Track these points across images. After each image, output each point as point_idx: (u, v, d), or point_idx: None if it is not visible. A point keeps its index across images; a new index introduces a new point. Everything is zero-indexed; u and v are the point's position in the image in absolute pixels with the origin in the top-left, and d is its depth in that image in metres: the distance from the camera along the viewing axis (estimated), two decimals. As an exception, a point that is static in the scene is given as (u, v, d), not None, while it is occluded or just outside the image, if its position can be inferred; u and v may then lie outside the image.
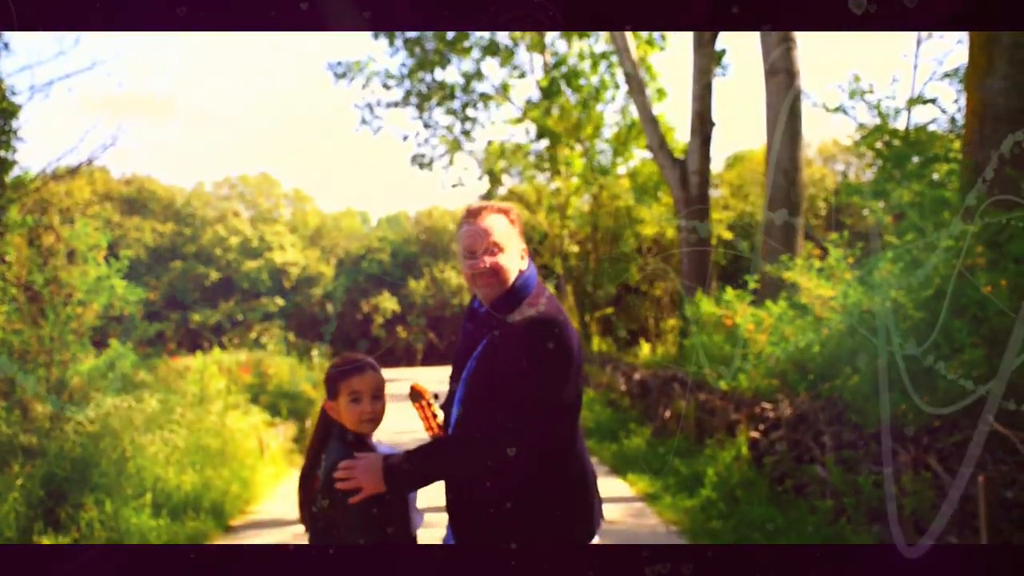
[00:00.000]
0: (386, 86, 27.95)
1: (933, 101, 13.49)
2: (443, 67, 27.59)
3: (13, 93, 9.72)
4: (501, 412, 3.04)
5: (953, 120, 12.98)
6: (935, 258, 8.02)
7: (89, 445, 8.99)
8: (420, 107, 28.20)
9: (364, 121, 28.68)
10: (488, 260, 3.18)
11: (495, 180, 29.99)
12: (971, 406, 6.93)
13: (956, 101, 14.96)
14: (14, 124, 9.67)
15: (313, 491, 3.26)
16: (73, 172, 11.19)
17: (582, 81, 27.03)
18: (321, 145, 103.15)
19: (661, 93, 25.28)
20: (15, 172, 9.87)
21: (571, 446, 3.19)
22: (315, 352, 28.17)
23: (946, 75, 15.31)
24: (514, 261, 3.24)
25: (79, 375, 9.69)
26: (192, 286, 50.96)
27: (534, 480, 3.11)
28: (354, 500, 3.10)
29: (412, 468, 3.11)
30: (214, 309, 50.60)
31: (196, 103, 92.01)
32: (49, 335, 9.20)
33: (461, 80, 27.94)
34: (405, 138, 29.67)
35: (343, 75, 27.85)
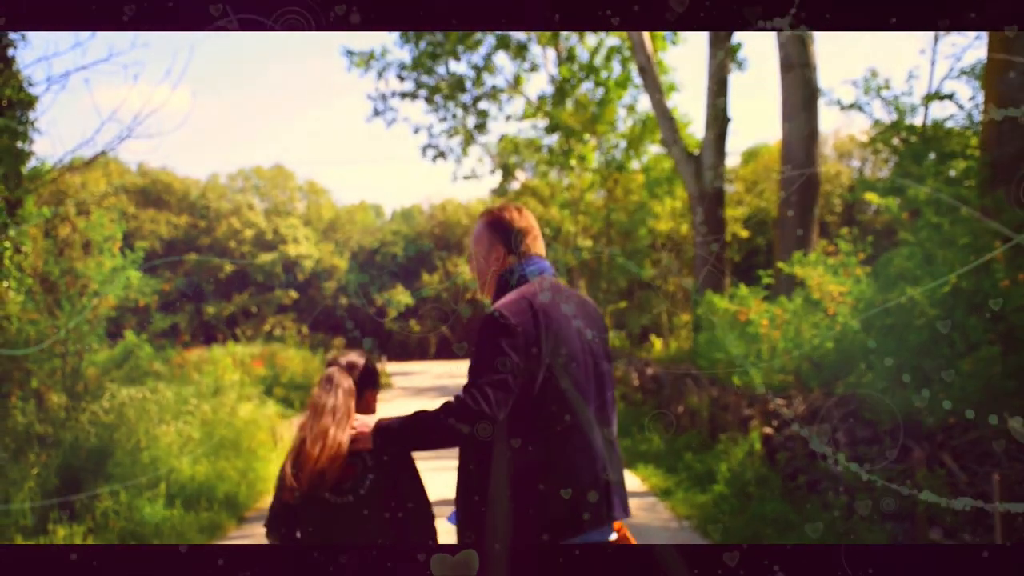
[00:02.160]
0: (400, 77, 27.91)
1: (950, 97, 13.42)
2: (456, 59, 27.54)
3: (30, 84, 9.75)
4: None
5: (970, 116, 12.91)
6: (951, 255, 7.99)
7: (104, 435, 9.03)
8: (429, 99, 28.14)
9: (377, 112, 28.63)
10: (470, 265, 3.48)
11: (508, 174, 29.97)
12: (987, 403, 6.92)
13: (973, 98, 14.87)
14: (31, 115, 9.70)
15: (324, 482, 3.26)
16: (89, 163, 11.23)
17: (603, 75, 27.01)
18: (336, 137, 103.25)
19: (671, 87, 25.23)
20: (32, 163, 9.91)
21: (546, 434, 3.14)
22: (334, 344, 28.23)
23: (963, 72, 15.23)
24: (485, 263, 3.41)
25: (94, 366, 9.73)
26: (206, 278, 51.08)
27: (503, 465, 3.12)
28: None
29: (397, 431, 3.20)
30: (228, 301, 50.73)
31: (211, 94, 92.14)
32: (64, 325, 9.24)
33: (472, 72, 27.92)
34: (416, 130, 29.66)
35: (358, 65, 27.81)
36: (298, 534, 3.37)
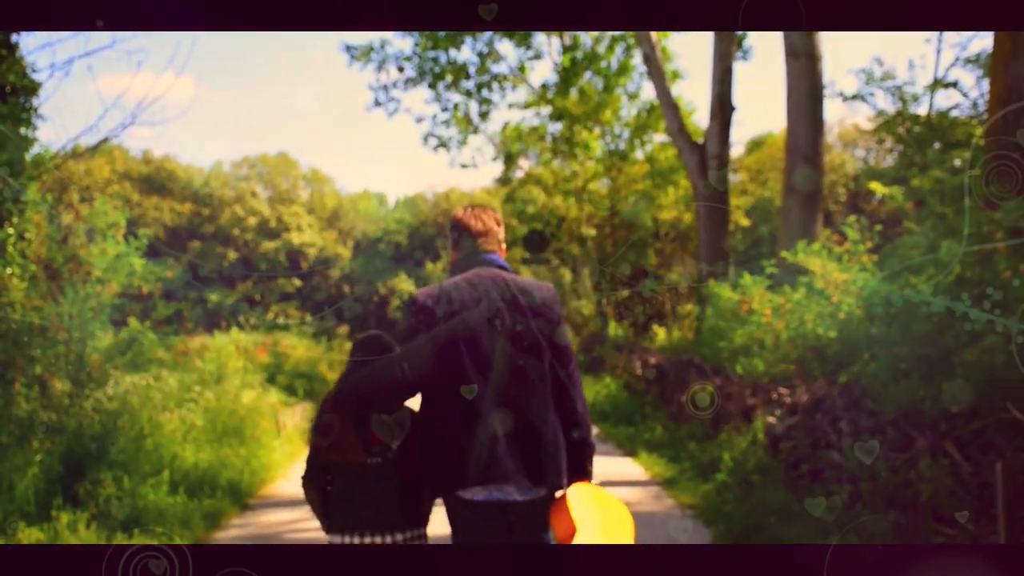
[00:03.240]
0: (400, 68, 27.69)
1: (954, 84, 13.38)
2: (457, 48, 27.33)
3: (34, 71, 9.74)
4: None
5: (975, 105, 12.87)
6: (955, 244, 7.96)
7: (107, 422, 9.05)
8: (432, 86, 27.94)
9: (378, 103, 28.43)
10: None
11: (511, 162, 29.90)
12: (990, 393, 6.91)
13: (977, 86, 14.84)
14: (34, 102, 9.70)
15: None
16: (92, 150, 11.22)
17: (602, 63, 26.91)
18: (340, 126, 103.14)
19: (675, 75, 25.15)
20: (35, 150, 9.90)
21: (438, 399, 3.70)
22: (338, 333, 28.19)
23: (968, 60, 15.18)
24: (448, 257, 4.11)
25: (98, 352, 9.74)
26: (210, 266, 51.08)
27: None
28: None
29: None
30: (232, 289, 50.75)
31: (215, 81, 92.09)
32: (68, 312, 9.24)
33: (476, 60, 27.75)
34: (419, 120, 29.56)
35: (358, 58, 27.56)
36: (328, 486, 3.99)
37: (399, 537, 3.79)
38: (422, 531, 3.88)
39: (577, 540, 3.40)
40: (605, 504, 3.64)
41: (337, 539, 3.86)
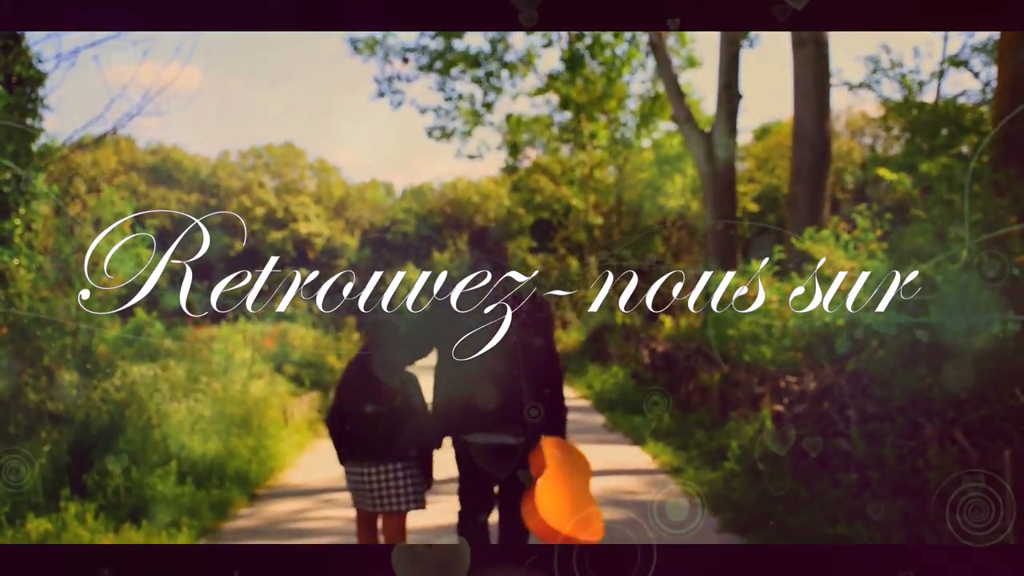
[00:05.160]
0: (405, 59, 27.55)
1: (965, 63, 13.31)
2: (460, 37, 27.14)
3: (40, 61, 9.73)
4: None
5: (984, 91, 12.82)
6: (963, 231, 7.93)
7: (115, 412, 9.05)
8: (443, 72, 27.78)
9: (382, 94, 28.30)
10: None
11: (515, 151, 29.82)
12: (999, 380, 6.88)
13: (978, 75, 14.78)
14: (41, 92, 9.69)
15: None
16: (99, 141, 11.22)
17: (606, 51, 26.80)
18: (346, 115, 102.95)
19: (692, 61, 25.04)
20: (42, 140, 9.89)
21: (439, 368, 5.05)
22: (346, 323, 28.16)
23: (976, 48, 15.12)
24: None
25: (105, 343, 9.74)
26: (217, 256, 51.14)
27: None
28: None
29: None
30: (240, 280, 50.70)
31: (221, 71, 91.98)
32: (76, 303, 9.24)
33: (487, 47, 27.63)
34: (424, 111, 29.42)
35: (360, 50, 27.40)
36: (347, 427, 5.36)
37: (399, 465, 5.23)
38: (416, 463, 5.31)
39: (545, 476, 4.59)
40: (569, 451, 4.90)
41: (350, 467, 5.33)
